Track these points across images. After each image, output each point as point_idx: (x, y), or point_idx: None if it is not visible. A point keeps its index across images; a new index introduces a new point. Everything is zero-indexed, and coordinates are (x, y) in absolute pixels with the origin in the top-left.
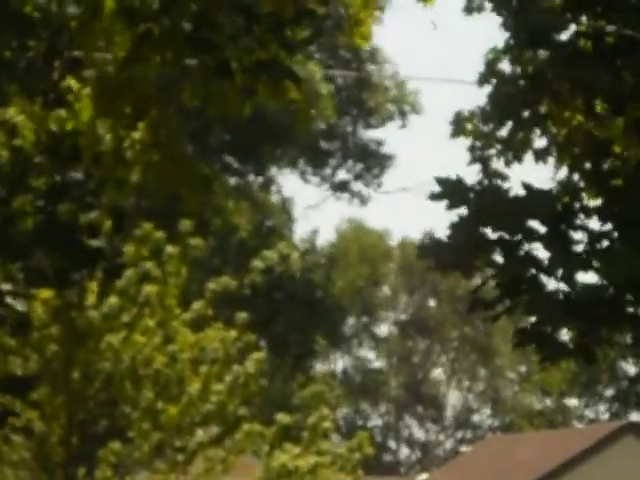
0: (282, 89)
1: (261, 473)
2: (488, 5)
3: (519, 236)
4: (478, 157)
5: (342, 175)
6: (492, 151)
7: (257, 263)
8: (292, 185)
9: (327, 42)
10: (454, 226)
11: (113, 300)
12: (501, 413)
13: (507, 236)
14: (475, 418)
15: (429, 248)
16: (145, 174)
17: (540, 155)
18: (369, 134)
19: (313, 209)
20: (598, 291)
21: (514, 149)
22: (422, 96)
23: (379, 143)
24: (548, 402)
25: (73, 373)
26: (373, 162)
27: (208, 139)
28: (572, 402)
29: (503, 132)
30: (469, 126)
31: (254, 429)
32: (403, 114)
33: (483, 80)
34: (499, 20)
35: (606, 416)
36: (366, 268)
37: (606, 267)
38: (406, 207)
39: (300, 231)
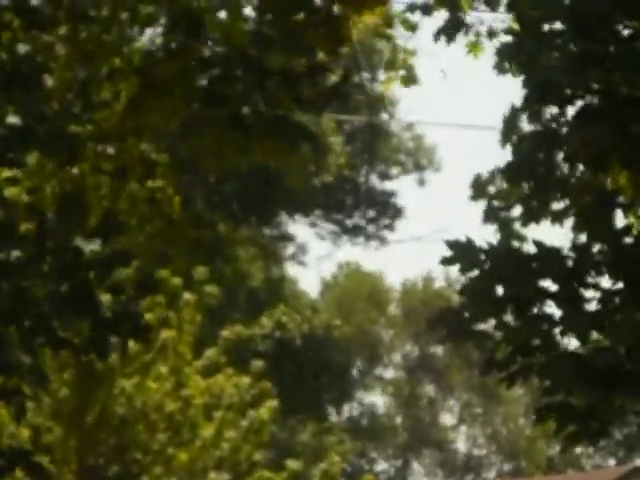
0: (296, 147)
1: None
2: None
3: (531, 294)
4: (495, 217)
5: (355, 220)
6: (510, 212)
7: (256, 330)
8: (304, 234)
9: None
10: (465, 289)
11: (131, 344)
12: (510, 458)
13: (519, 295)
14: (484, 462)
15: (440, 319)
16: (135, 231)
17: (557, 217)
18: (383, 185)
19: (325, 259)
20: (610, 355)
21: (532, 211)
22: (439, 150)
23: (391, 194)
24: (556, 448)
25: (86, 417)
26: (384, 212)
27: (222, 189)
28: (580, 449)
29: (522, 191)
30: (490, 188)
31: (265, 476)
32: (420, 168)
33: (505, 139)
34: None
35: (612, 461)
36: (369, 312)
37: (615, 329)
38: (415, 255)
39: (311, 278)
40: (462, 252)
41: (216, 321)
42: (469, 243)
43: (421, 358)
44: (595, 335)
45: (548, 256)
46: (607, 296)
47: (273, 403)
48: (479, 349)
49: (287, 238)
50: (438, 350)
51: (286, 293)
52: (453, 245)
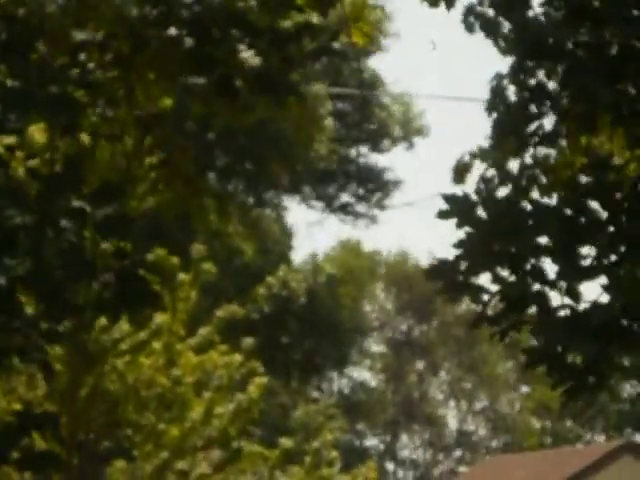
0: (284, 104)
1: None
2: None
3: (527, 250)
4: (486, 189)
5: (345, 198)
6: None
7: (261, 290)
8: (293, 209)
9: (331, 68)
10: (462, 243)
11: (124, 326)
12: (500, 433)
13: (515, 250)
14: (474, 438)
15: (436, 272)
16: (154, 193)
17: (545, 190)
18: (374, 158)
19: (314, 227)
20: (608, 311)
21: (522, 184)
22: (427, 116)
23: (383, 169)
24: (547, 423)
25: (79, 394)
26: (376, 186)
27: (212, 162)
28: (569, 423)
29: (512, 166)
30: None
31: (255, 451)
32: (409, 137)
33: (490, 108)
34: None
35: (602, 437)
36: (358, 287)
37: (612, 285)
38: (407, 224)
39: (300, 254)
40: (459, 206)
41: (211, 297)
42: (466, 197)
43: (410, 333)
44: (590, 292)
45: (544, 212)
46: (603, 251)
47: (263, 381)
48: (474, 302)
49: (279, 213)
50: (426, 327)
51: (280, 267)
52: (450, 199)
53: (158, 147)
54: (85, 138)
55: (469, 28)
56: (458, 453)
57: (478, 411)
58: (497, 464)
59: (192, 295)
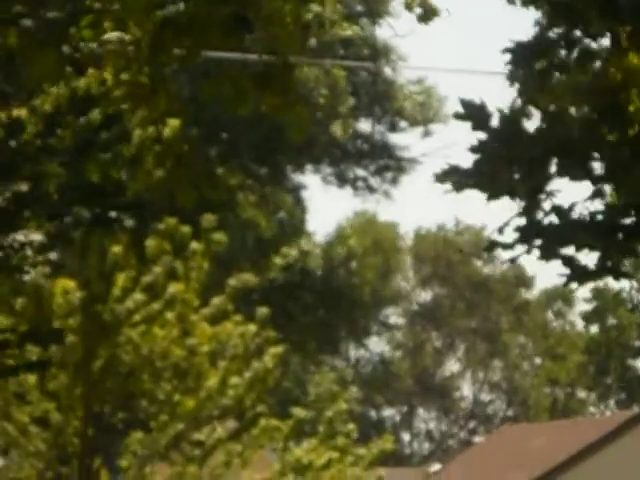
0: (288, 104)
1: (277, 467)
2: None
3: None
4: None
5: (360, 173)
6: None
7: (278, 260)
8: (309, 184)
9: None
10: (475, 148)
11: (138, 296)
12: (514, 404)
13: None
14: (488, 409)
15: (448, 172)
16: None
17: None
18: (392, 138)
19: (331, 201)
20: (619, 213)
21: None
22: (446, 100)
23: (400, 147)
24: (559, 393)
25: (93, 365)
26: (392, 163)
27: (227, 140)
28: (582, 394)
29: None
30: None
31: (271, 424)
32: (427, 122)
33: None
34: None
35: (615, 408)
36: (379, 260)
37: (621, 187)
38: (421, 199)
39: (315, 227)
40: (475, 111)
41: (226, 270)
42: (482, 105)
43: (428, 305)
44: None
45: (556, 129)
46: (613, 154)
47: (278, 350)
48: (488, 199)
49: (296, 188)
50: (444, 297)
51: (299, 242)
52: (467, 104)
53: (153, 121)
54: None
55: None
56: (472, 424)
57: (493, 383)
58: (512, 434)
59: (205, 265)
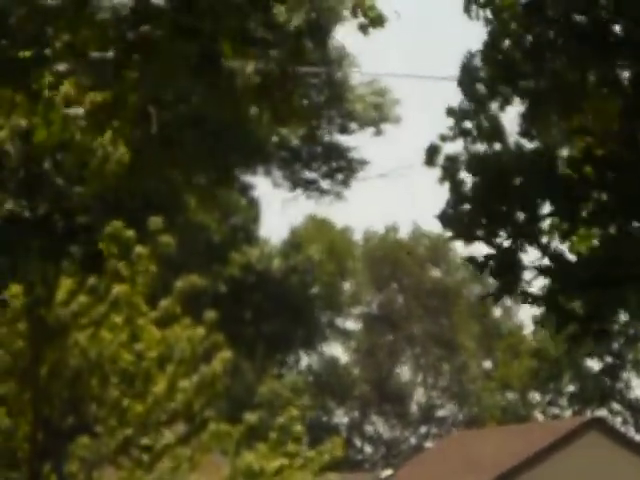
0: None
1: (227, 472)
2: None
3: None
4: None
5: (311, 175)
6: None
7: (229, 267)
8: (260, 186)
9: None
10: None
11: (82, 298)
12: (465, 408)
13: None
14: (440, 413)
15: (449, 219)
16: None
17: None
18: (342, 139)
19: (287, 203)
20: (600, 262)
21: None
22: (400, 104)
23: (349, 148)
24: (510, 397)
25: (40, 370)
26: (346, 167)
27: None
28: (534, 397)
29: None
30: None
31: (221, 429)
32: (378, 125)
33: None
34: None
35: (568, 412)
36: (331, 264)
37: (606, 239)
38: (373, 199)
39: (268, 232)
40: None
41: (175, 274)
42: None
43: (381, 308)
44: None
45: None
46: (599, 207)
47: (227, 354)
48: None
49: (245, 188)
50: (399, 300)
51: (244, 244)
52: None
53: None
54: None
55: None
56: (424, 429)
57: (444, 387)
58: (462, 439)
59: (151, 268)
